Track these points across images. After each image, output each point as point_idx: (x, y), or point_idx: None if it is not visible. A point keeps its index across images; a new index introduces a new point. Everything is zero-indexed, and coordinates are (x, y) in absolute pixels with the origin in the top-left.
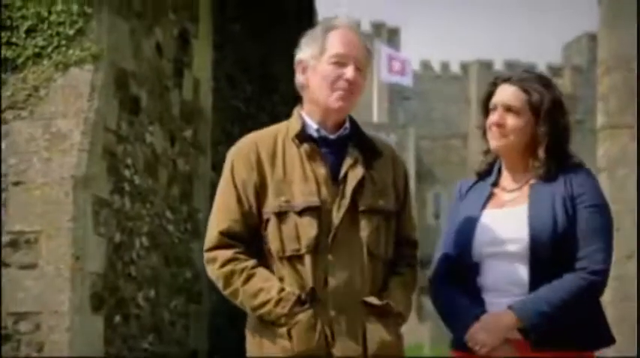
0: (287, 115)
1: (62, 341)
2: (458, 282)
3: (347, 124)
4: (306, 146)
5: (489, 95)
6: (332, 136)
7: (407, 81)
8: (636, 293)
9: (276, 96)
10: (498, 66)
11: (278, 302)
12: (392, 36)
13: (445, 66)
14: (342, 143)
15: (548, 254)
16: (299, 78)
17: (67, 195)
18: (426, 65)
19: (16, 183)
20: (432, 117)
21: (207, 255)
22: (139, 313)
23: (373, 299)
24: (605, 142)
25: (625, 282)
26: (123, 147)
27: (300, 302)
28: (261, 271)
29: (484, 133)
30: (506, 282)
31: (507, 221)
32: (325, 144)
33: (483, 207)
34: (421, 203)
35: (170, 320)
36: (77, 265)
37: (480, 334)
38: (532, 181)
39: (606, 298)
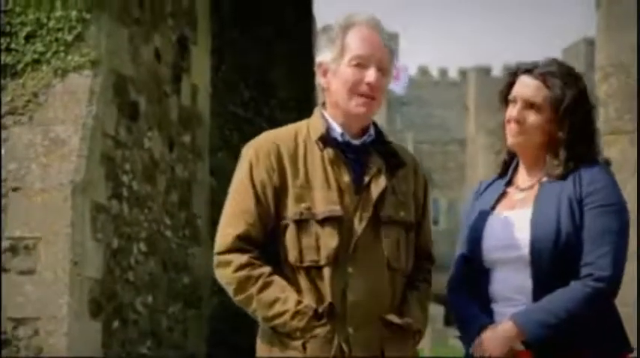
0: (285, 121)
1: (61, 346)
2: (472, 289)
3: (371, 130)
4: (330, 151)
5: (509, 85)
6: (356, 142)
7: (399, 89)
8: (636, 295)
9: (274, 101)
10: (496, 71)
11: (295, 314)
12: (390, 41)
13: (443, 72)
14: (365, 150)
15: (551, 260)
16: (320, 81)
17: (66, 200)
18: (424, 71)
19: (15, 189)
20: (430, 123)
21: (219, 258)
22: (137, 318)
23: (393, 317)
24: (604, 148)
25: (623, 286)
26: (121, 152)
27: (317, 316)
28: (278, 280)
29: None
30: (512, 291)
31: (513, 224)
32: (349, 149)
33: (493, 207)
34: None
35: (168, 325)
36: (75, 270)
37: (484, 346)
38: (543, 179)
39: None
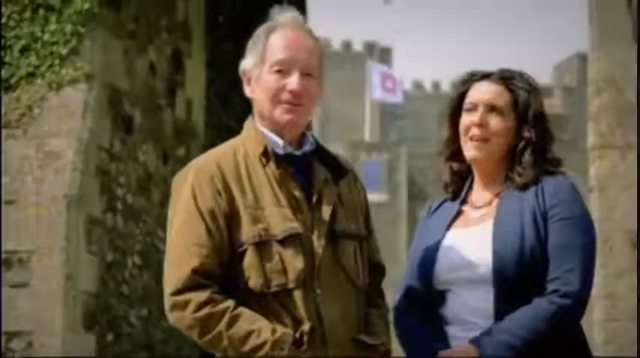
0: None
1: None
2: (421, 313)
3: (310, 138)
4: (273, 165)
5: (462, 95)
6: (297, 153)
7: (397, 99)
8: (628, 310)
9: None
10: None
11: (274, 344)
12: (384, 55)
13: (436, 85)
14: (307, 160)
15: (515, 278)
16: (246, 90)
17: (60, 213)
18: (417, 84)
19: (10, 202)
20: (424, 136)
21: (174, 299)
22: (131, 332)
23: (366, 338)
24: (596, 162)
25: (615, 302)
26: (116, 165)
27: (297, 342)
28: (246, 312)
29: (450, 141)
30: (470, 312)
31: (471, 242)
32: (291, 162)
33: (448, 227)
34: (413, 222)
35: (162, 338)
36: (69, 284)
37: None
38: (503, 193)
39: (595, 318)
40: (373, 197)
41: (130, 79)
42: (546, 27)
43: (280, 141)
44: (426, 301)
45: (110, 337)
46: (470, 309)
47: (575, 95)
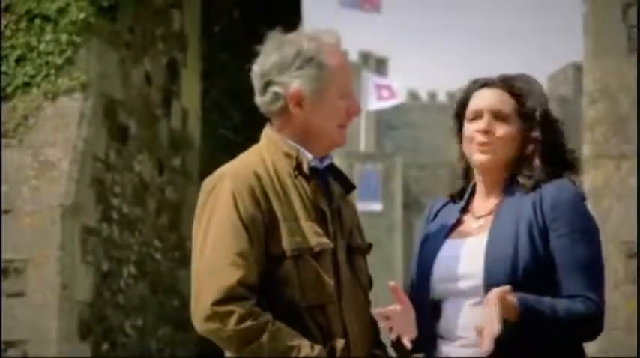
0: None
1: None
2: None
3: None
4: (302, 179)
5: (465, 102)
6: (320, 167)
7: (393, 102)
8: (635, 315)
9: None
10: None
11: None
12: (380, 66)
13: (432, 95)
14: (325, 174)
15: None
16: (294, 110)
17: (56, 223)
18: (413, 95)
19: (5, 212)
20: (420, 146)
21: (215, 309)
22: (126, 341)
23: (379, 352)
24: (590, 172)
25: (611, 312)
26: (111, 175)
27: None
28: (283, 327)
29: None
30: (462, 328)
31: (466, 253)
32: (314, 175)
33: (447, 235)
34: (408, 231)
35: (157, 348)
36: (65, 293)
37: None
38: (502, 203)
39: None
40: (368, 206)
41: (126, 88)
42: (541, 37)
43: (310, 155)
44: (420, 313)
45: (105, 346)
46: (463, 323)
47: (570, 105)
